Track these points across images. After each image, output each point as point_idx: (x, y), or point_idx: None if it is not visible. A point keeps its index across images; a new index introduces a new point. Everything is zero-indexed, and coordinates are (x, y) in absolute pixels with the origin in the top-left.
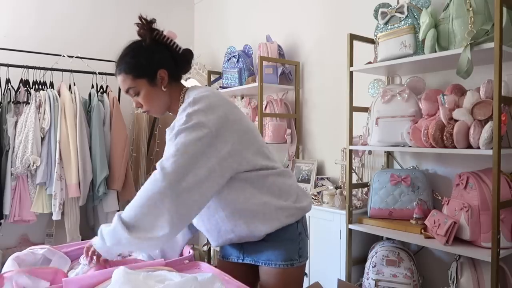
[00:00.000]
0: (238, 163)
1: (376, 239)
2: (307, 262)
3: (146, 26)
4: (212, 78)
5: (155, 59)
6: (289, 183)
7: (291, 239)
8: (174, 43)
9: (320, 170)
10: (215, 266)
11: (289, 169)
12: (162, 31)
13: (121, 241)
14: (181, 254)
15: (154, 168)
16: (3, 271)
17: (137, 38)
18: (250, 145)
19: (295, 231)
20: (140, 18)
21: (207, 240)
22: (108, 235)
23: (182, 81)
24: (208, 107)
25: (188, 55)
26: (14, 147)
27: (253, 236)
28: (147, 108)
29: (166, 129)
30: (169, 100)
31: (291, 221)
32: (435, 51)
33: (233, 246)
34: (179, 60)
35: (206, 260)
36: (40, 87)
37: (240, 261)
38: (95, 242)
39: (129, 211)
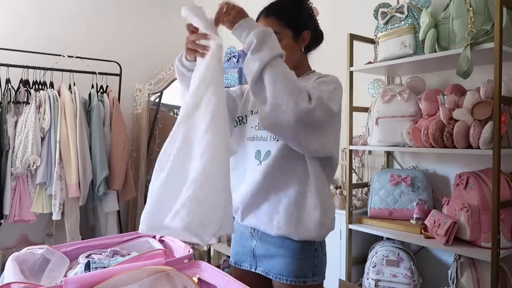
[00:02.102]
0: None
1: (376, 239)
2: None
3: None
4: None
5: (308, 18)
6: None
7: (306, 256)
8: (316, 19)
9: None
10: (217, 266)
11: None
12: (312, 3)
13: (261, 46)
14: (182, 254)
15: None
16: (3, 271)
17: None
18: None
19: (311, 248)
20: None
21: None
22: (261, 33)
23: None
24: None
25: (322, 36)
26: (14, 147)
27: (289, 232)
28: None
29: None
30: (297, 63)
31: (319, 239)
32: (435, 51)
33: (245, 253)
34: (316, 35)
35: (206, 259)
36: (40, 87)
37: (253, 270)
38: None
39: (279, 65)
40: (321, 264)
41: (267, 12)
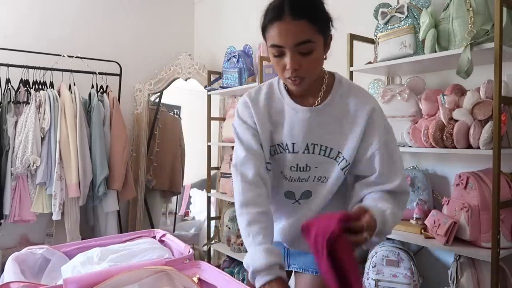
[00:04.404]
0: None
1: None
2: None
3: None
4: (212, 78)
5: (329, 15)
6: None
7: None
8: None
9: None
10: (217, 266)
11: None
12: None
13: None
14: (182, 254)
15: (154, 169)
16: (3, 271)
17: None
18: None
19: None
20: None
21: (207, 240)
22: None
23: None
24: None
25: None
26: (14, 147)
27: None
28: (306, 74)
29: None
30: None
31: None
32: (435, 51)
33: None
34: None
35: (206, 259)
36: (40, 87)
37: (285, 268)
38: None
39: None
40: None
41: (295, 13)
